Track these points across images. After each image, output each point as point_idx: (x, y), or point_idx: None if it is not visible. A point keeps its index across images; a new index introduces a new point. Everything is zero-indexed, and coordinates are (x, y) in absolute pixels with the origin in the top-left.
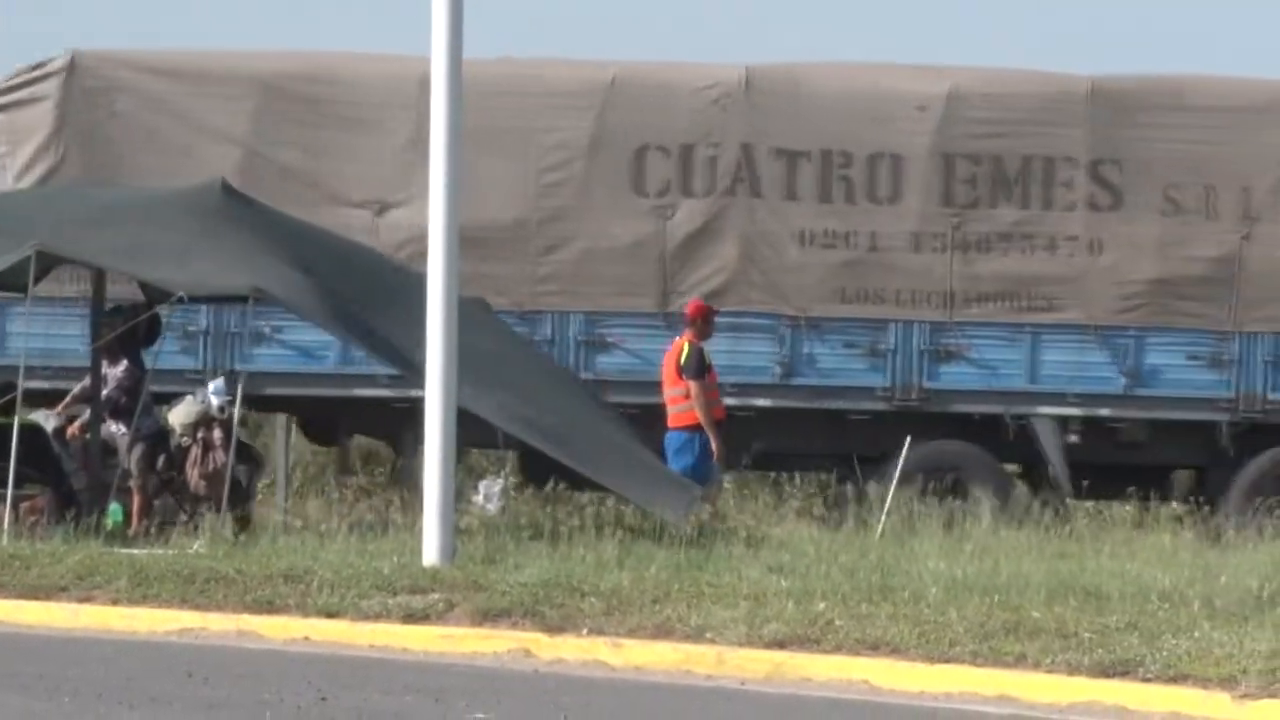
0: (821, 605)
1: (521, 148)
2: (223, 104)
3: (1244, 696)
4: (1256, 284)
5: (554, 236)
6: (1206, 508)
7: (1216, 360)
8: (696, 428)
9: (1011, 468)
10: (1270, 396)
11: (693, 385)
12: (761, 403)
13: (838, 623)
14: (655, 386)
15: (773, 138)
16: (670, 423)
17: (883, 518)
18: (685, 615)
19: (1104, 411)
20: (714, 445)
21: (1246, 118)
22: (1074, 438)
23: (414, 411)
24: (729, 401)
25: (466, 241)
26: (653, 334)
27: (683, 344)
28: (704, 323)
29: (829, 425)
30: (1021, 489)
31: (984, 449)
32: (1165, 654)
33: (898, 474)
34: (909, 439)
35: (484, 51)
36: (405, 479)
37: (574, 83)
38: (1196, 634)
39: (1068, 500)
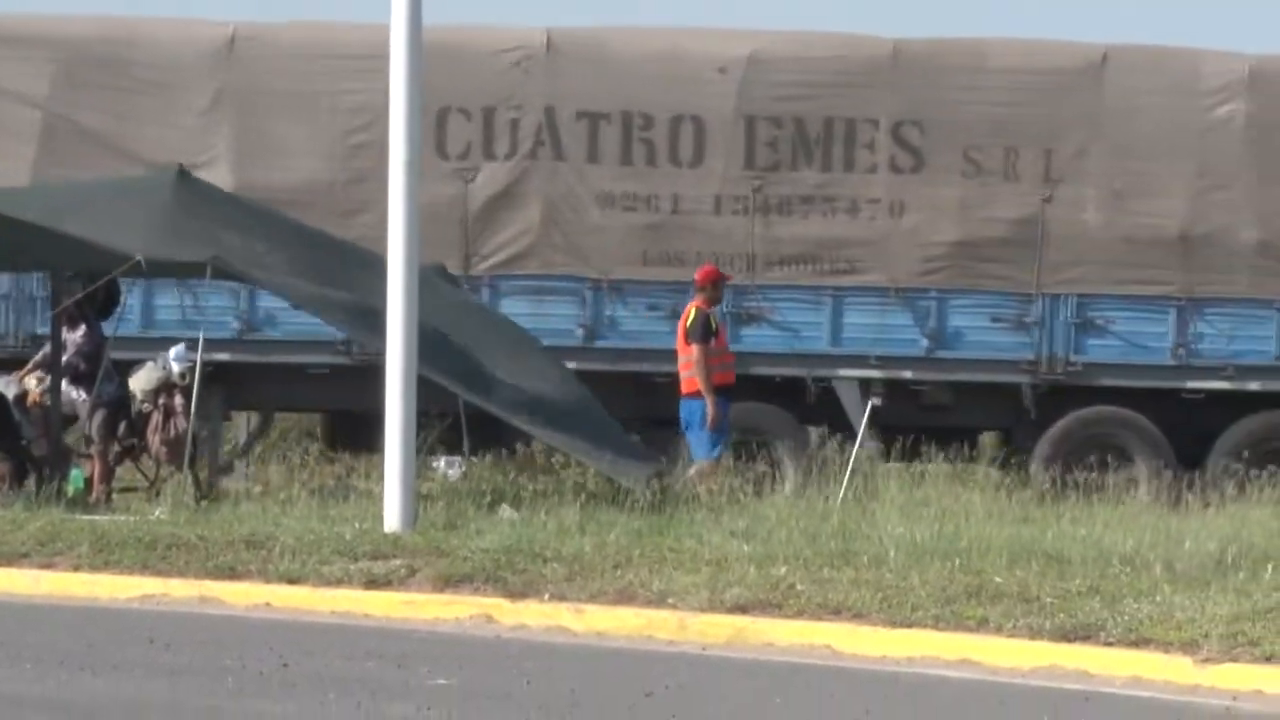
0: (783, 570)
1: (324, 111)
2: (23, 67)
3: (1205, 660)
4: (1059, 246)
5: (358, 199)
6: (1019, 469)
7: (1019, 322)
8: (717, 389)
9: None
10: (1073, 358)
11: (694, 349)
12: (567, 365)
13: (799, 587)
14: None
15: (575, 100)
16: (683, 389)
17: (844, 482)
18: (647, 580)
19: (906, 374)
20: (709, 410)
21: (1049, 80)
22: (878, 400)
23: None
24: None
25: (275, 204)
26: None
27: (690, 309)
28: (714, 288)
29: (633, 388)
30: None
31: (788, 412)
32: (1126, 618)
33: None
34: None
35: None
36: None
37: (373, 45)
38: (1158, 598)
39: (876, 462)
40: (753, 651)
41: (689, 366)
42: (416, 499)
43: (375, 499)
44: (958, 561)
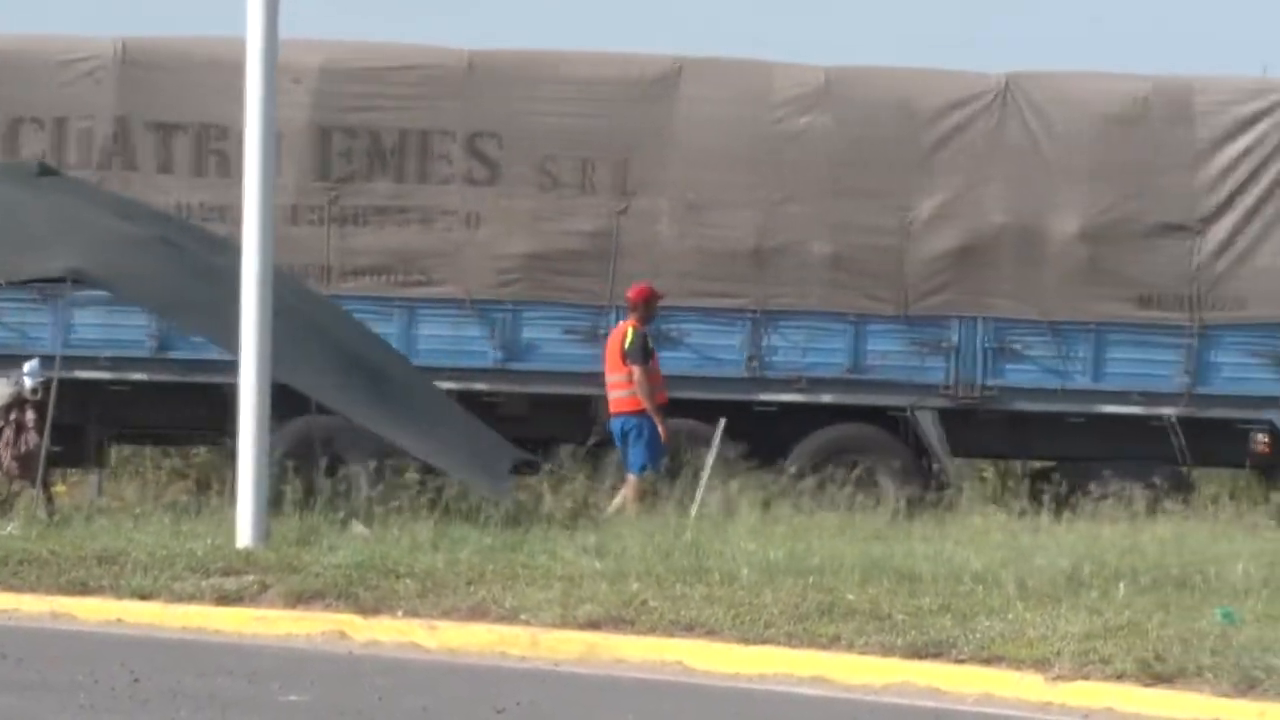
0: (636, 586)
1: None
2: None
3: (1057, 678)
4: (633, 258)
5: None
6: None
7: (593, 335)
8: (642, 412)
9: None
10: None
11: (636, 371)
12: (137, 376)
13: (652, 604)
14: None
15: (148, 111)
16: (612, 408)
17: (697, 499)
18: (500, 597)
19: (479, 386)
20: (660, 429)
21: (623, 91)
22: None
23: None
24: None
25: None
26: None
27: (626, 329)
28: (646, 307)
29: (201, 399)
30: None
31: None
32: (978, 635)
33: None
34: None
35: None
36: None
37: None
38: (1010, 615)
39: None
40: (605, 668)
41: (622, 386)
42: (269, 515)
43: (228, 515)
44: (810, 579)
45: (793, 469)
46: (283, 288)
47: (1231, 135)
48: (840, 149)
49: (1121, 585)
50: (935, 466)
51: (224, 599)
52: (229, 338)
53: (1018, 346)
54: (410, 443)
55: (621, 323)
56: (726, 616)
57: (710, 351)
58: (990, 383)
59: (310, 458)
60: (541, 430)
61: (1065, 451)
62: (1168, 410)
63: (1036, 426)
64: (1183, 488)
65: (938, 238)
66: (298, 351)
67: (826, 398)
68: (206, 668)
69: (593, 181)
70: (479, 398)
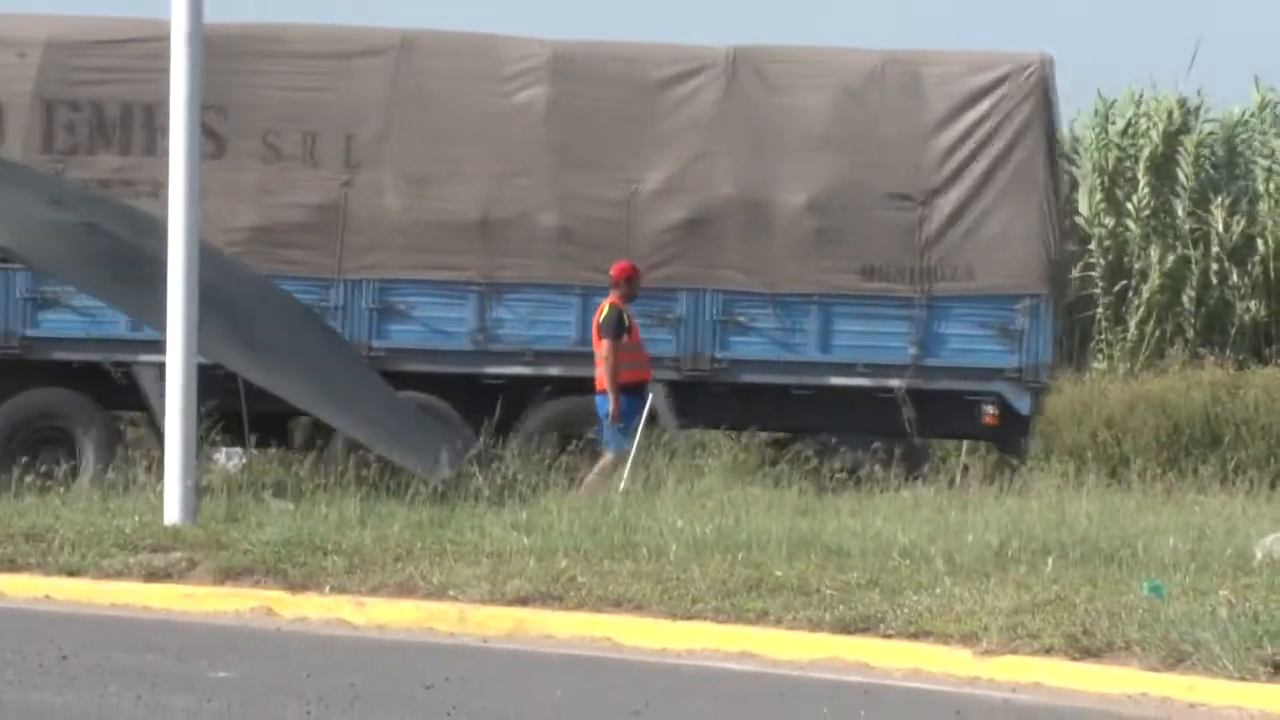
0: (564, 562)
1: None
2: None
3: (985, 653)
4: (359, 231)
5: None
6: None
7: (319, 307)
8: (627, 386)
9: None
10: (375, 344)
11: (604, 345)
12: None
13: (580, 579)
14: None
15: (71, 91)
16: (596, 385)
17: (624, 473)
18: (428, 573)
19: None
20: (611, 406)
21: (347, 64)
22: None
23: None
24: None
25: None
26: None
27: (604, 305)
28: (627, 284)
29: None
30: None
31: (90, 398)
32: (907, 610)
33: None
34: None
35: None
36: None
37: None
38: (938, 590)
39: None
40: (533, 643)
41: (602, 363)
42: (197, 492)
43: (156, 492)
44: (738, 554)
45: (519, 442)
46: (208, 266)
47: (962, 108)
48: (567, 122)
49: (1050, 560)
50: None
51: (152, 576)
52: (157, 316)
53: (744, 319)
54: (341, 420)
55: (604, 300)
56: (654, 592)
57: (437, 324)
58: (719, 355)
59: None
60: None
61: (798, 423)
62: (895, 382)
63: (767, 398)
64: (916, 459)
65: (665, 210)
66: (223, 329)
67: (554, 370)
68: (135, 644)
69: (316, 154)
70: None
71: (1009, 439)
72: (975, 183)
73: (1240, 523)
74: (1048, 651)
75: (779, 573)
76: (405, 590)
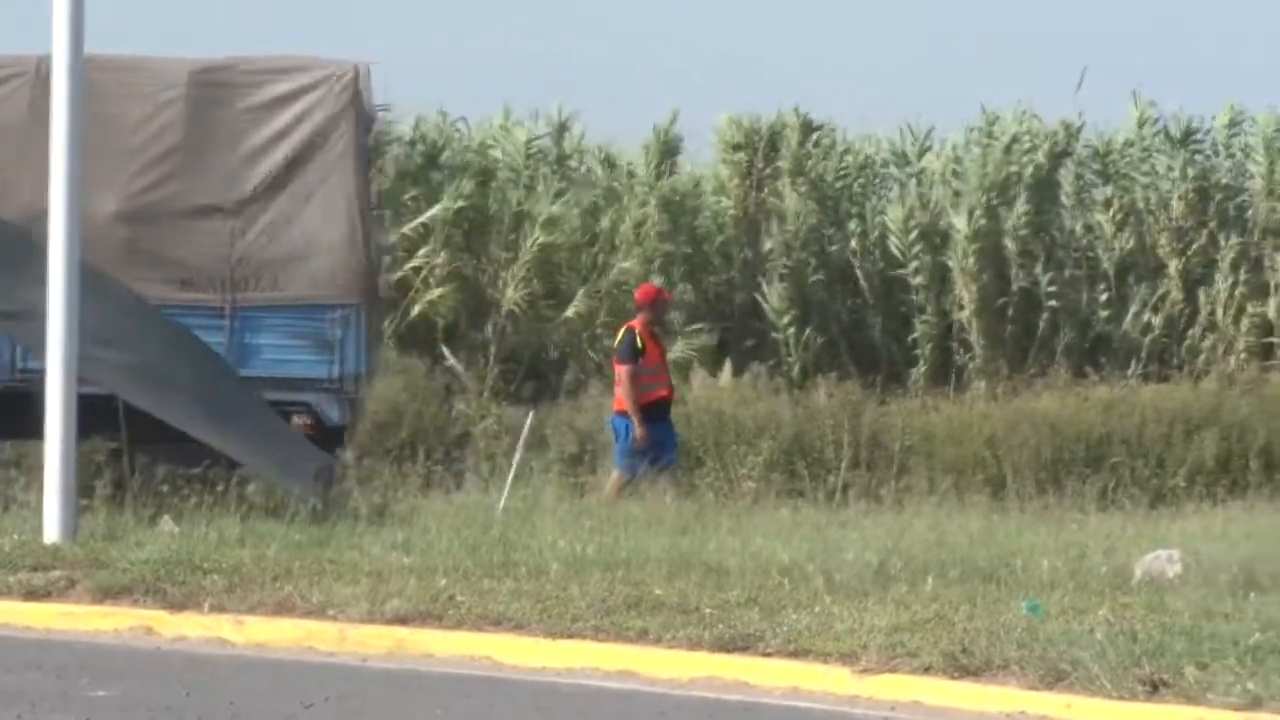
0: (443, 581)
1: None
2: None
3: (864, 671)
4: None
5: None
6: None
7: None
8: (644, 408)
9: None
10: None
11: (619, 369)
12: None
13: (459, 598)
14: None
15: None
16: (615, 405)
17: (504, 492)
18: (307, 592)
19: None
20: (636, 429)
21: None
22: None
23: None
24: None
25: None
26: None
27: (622, 329)
28: (651, 308)
29: None
30: None
31: None
32: (786, 629)
33: None
34: None
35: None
36: None
37: None
38: (817, 609)
39: None
40: (413, 662)
41: (619, 385)
42: (76, 510)
43: (35, 510)
44: (618, 572)
45: None
46: (86, 286)
47: (271, 115)
48: None
49: (929, 578)
50: None
51: (31, 594)
52: (36, 337)
53: None
54: (216, 440)
55: (630, 322)
56: (534, 610)
57: None
58: (27, 366)
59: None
60: None
61: (133, 433)
62: None
63: (98, 409)
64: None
65: None
66: (101, 349)
67: None
68: (14, 663)
69: None
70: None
71: (326, 449)
72: (285, 191)
73: (1120, 542)
74: (927, 670)
75: (659, 591)
76: (284, 609)
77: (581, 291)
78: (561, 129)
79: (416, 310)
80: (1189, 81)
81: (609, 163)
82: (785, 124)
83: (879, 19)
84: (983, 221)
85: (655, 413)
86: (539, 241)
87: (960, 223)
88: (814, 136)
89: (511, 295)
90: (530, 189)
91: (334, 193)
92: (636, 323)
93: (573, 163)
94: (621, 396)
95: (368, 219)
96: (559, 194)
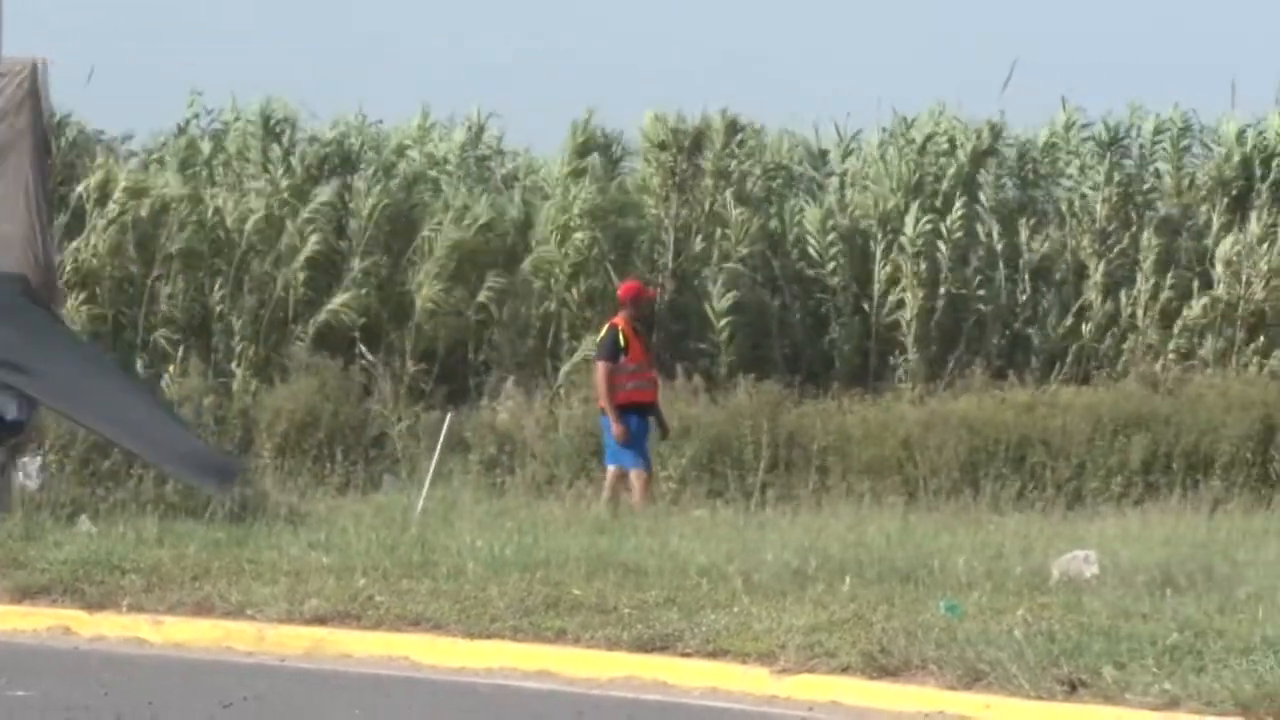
0: (362, 581)
1: None
2: None
3: (782, 671)
4: None
5: None
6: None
7: None
8: (626, 406)
9: None
10: None
11: (597, 367)
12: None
13: (378, 599)
14: None
15: None
16: (598, 404)
17: (423, 493)
18: (226, 592)
19: None
20: (613, 426)
21: None
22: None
23: None
24: None
25: None
26: None
27: (606, 326)
28: (633, 304)
29: None
30: None
31: None
32: (704, 629)
33: None
34: None
35: None
36: None
37: None
38: (735, 609)
39: None
40: (331, 662)
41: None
42: None
43: None
44: (537, 573)
45: None
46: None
47: None
48: None
49: (847, 579)
50: None
51: None
52: None
53: None
54: (130, 442)
55: (613, 319)
56: (453, 611)
57: None
58: None
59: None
60: None
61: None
62: None
63: None
64: None
65: None
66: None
67: None
68: None
69: None
70: None
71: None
72: None
73: (1037, 542)
74: (845, 670)
75: (577, 591)
76: (203, 609)
77: (490, 275)
78: (479, 131)
79: (326, 313)
80: (1131, 84)
81: (530, 166)
82: (710, 124)
83: (867, 18)
84: (904, 223)
85: (636, 412)
86: (454, 240)
87: (875, 224)
88: (738, 137)
89: (427, 293)
90: (450, 189)
91: (12, 192)
92: (620, 320)
93: (491, 164)
94: (620, 392)
95: (45, 216)
96: (476, 193)
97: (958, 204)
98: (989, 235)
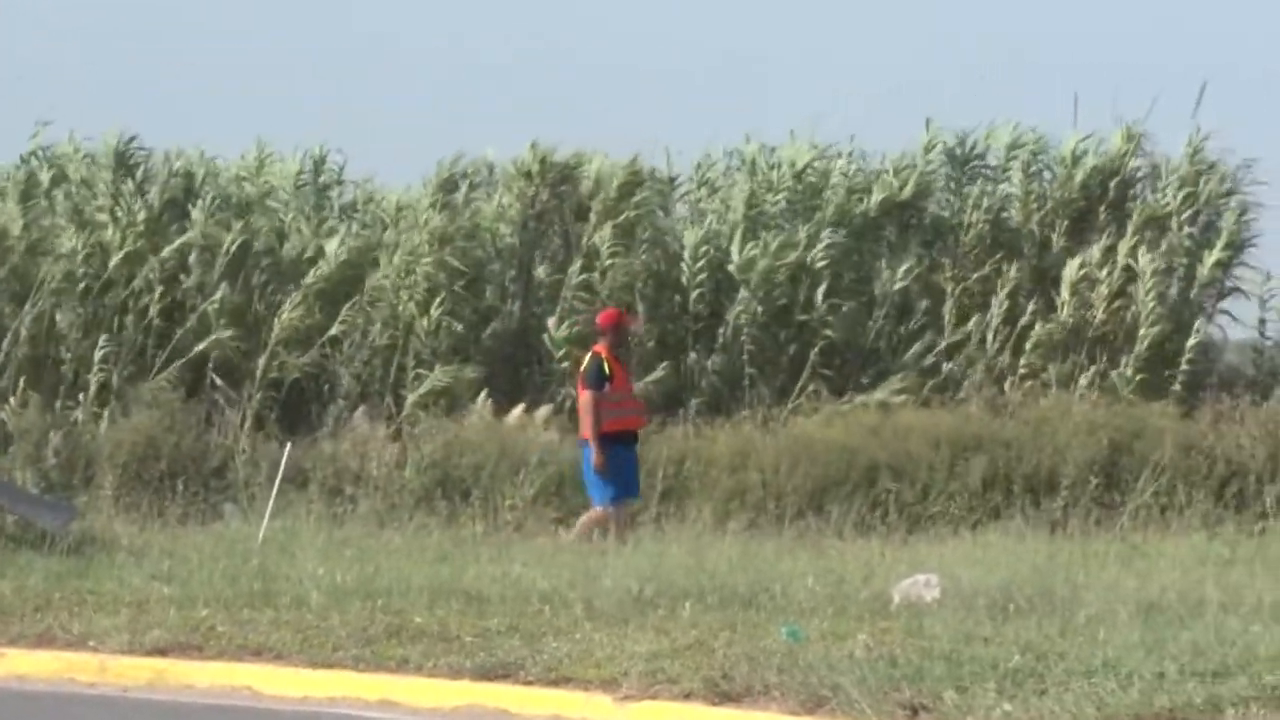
0: (204, 611)
1: None
2: None
3: (625, 698)
4: None
5: None
6: None
7: None
8: (610, 436)
9: None
10: None
11: (582, 395)
12: None
13: (220, 629)
14: None
15: None
16: (580, 433)
17: (264, 523)
18: (67, 623)
19: None
20: (594, 456)
21: None
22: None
23: None
24: None
25: None
26: None
27: (587, 355)
28: (613, 332)
29: None
30: None
31: None
32: (547, 656)
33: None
34: None
35: None
36: None
37: None
38: (578, 636)
39: None
40: (174, 693)
41: (581, 413)
42: None
43: None
44: (378, 601)
45: None
46: None
47: None
48: None
49: (688, 604)
50: None
51: None
52: None
53: None
54: None
55: (594, 346)
56: (295, 640)
57: None
58: None
59: None
60: None
61: None
62: None
63: None
64: None
65: None
66: None
67: None
68: None
69: None
70: None
71: None
72: None
73: (878, 567)
74: (687, 696)
75: (419, 620)
76: (45, 641)
77: (346, 308)
78: (319, 163)
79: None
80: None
81: (370, 198)
82: (582, 161)
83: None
84: (757, 249)
85: (622, 441)
86: (311, 271)
87: (735, 250)
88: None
89: (277, 326)
90: (295, 220)
91: None
92: (601, 348)
93: (331, 194)
94: (607, 420)
95: None
96: (320, 225)
97: (805, 228)
98: (846, 258)
